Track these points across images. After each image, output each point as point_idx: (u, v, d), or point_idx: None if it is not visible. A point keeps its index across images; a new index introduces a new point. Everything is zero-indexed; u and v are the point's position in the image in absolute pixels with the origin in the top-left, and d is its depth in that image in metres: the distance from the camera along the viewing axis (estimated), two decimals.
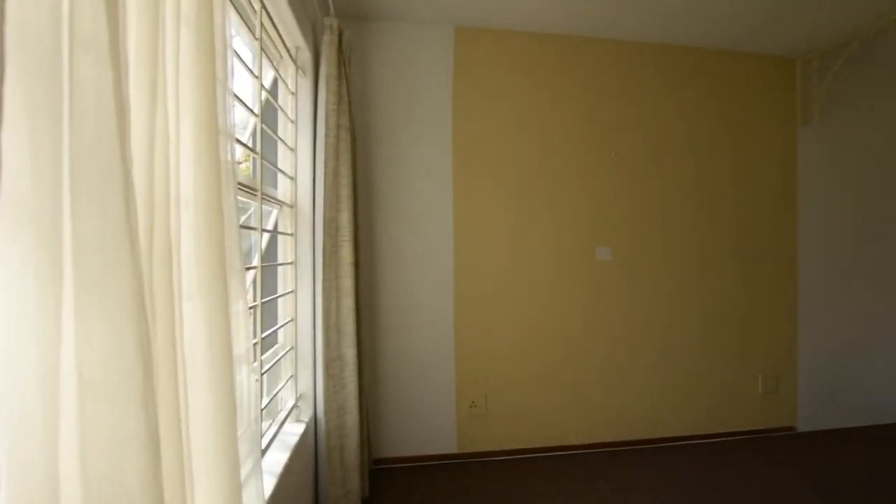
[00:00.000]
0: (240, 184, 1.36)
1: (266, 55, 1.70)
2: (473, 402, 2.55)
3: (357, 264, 2.09)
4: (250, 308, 1.45)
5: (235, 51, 1.26)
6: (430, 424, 2.53)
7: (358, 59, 2.40)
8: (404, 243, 2.49)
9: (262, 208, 1.46)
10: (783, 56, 2.91)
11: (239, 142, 1.24)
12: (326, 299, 1.93)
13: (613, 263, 2.69)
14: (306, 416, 2.00)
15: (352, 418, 2.00)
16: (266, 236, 2.16)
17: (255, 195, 1.47)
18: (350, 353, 2.00)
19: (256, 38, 1.48)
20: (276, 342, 1.97)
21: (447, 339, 2.53)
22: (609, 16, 2.44)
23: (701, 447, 2.73)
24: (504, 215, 2.59)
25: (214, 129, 0.67)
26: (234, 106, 0.80)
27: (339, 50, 2.01)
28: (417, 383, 2.51)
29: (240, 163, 1.71)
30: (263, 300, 1.53)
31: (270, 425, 1.73)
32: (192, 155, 0.64)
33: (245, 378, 0.82)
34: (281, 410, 1.85)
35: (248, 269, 1.48)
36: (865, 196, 3.05)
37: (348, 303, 1.99)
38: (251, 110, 1.38)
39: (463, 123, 2.54)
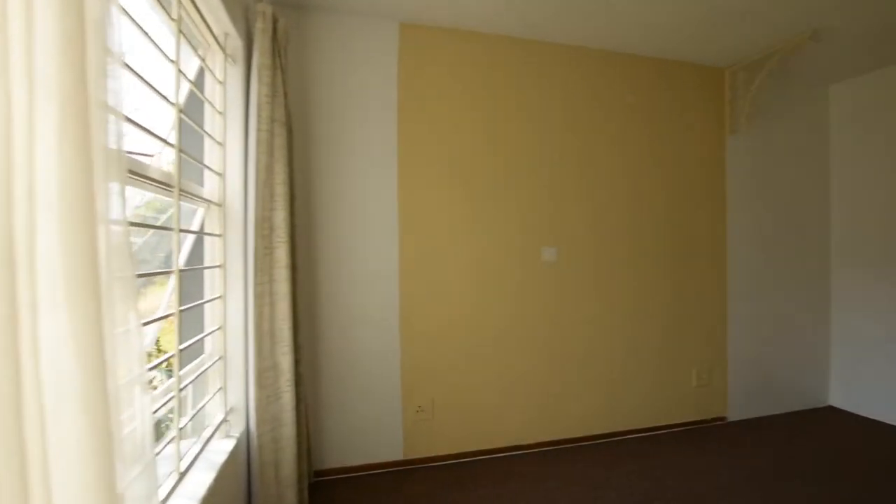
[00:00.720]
0: (152, 180, 1.23)
1: (187, 39, 1.56)
2: (420, 406, 2.50)
3: (294, 267, 1.97)
4: (165, 317, 1.31)
5: (147, 32, 1.13)
6: (376, 432, 2.44)
7: (297, 51, 2.28)
8: (347, 244, 2.39)
9: (179, 206, 1.32)
10: (714, 66, 3.07)
11: (144, 129, 1.11)
12: (259, 304, 1.80)
13: (558, 264, 2.72)
14: (237, 430, 1.86)
15: (287, 430, 1.88)
16: (190, 238, 2.00)
17: (173, 192, 1.34)
18: (286, 360, 1.88)
19: (173, 19, 1.35)
20: (204, 352, 1.82)
21: (392, 342, 2.45)
22: (553, 20, 2.46)
23: (642, 440, 2.83)
24: (450, 216, 2.55)
25: (84, 109, 0.57)
26: (122, 82, 0.69)
27: (274, 39, 1.88)
28: (362, 390, 2.41)
29: (151, 156, 1.55)
30: (183, 308, 1.39)
31: (194, 444, 1.58)
32: (55, 141, 0.54)
33: (139, 405, 0.72)
34: (207, 427, 1.71)
35: (149, 274, 1.34)
36: (784, 201, 3.28)
37: (284, 307, 1.87)
38: (164, 97, 1.24)
39: (408, 122, 2.47)
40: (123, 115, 0.71)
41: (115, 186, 0.66)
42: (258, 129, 1.78)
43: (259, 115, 1.78)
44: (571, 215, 2.76)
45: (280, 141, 1.85)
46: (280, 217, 1.85)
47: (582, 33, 2.62)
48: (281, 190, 1.85)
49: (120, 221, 0.67)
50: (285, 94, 1.90)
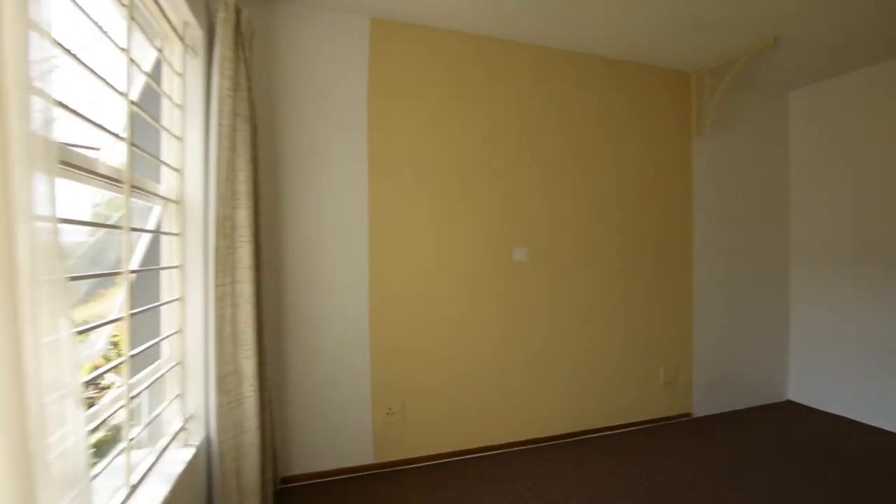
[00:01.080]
0: (99, 175, 1.15)
1: (141, 27, 1.48)
2: (390, 408, 2.45)
3: (258, 267, 1.90)
4: (112, 322, 1.23)
5: (93, 18, 1.05)
6: (345, 435, 2.39)
7: (263, 44, 2.20)
8: (315, 244, 2.33)
9: (130, 204, 1.25)
10: (681, 71, 3.15)
11: (88, 120, 1.03)
12: (220, 307, 1.73)
13: (530, 264, 2.73)
14: (197, 438, 1.78)
15: (250, 437, 1.81)
16: (147, 238, 1.91)
17: (123, 188, 1.26)
18: (249, 364, 1.81)
19: (124, 4, 1.27)
20: (161, 357, 1.73)
21: (361, 343, 2.40)
22: (527, 20, 2.46)
23: (612, 437, 2.87)
24: (421, 215, 2.52)
25: None
26: (52, 62, 0.63)
27: (237, 30, 1.81)
28: (330, 393, 2.36)
29: (97, 149, 1.46)
30: (135, 311, 1.31)
31: (148, 454, 1.50)
32: None
33: (72, 422, 0.66)
34: (163, 436, 1.62)
35: (83, 277, 1.26)
36: (746, 203, 3.39)
37: (247, 309, 1.80)
38: (113, 87, 1.17)
39: (378, 119, 2.43)
40: (53, 98, 0.65)
41: (40, 178, 0.60)
42: (219, 124, 1.70)
43: (220, 110, 1.71)
44: (542, 216, 2.77)
45: (243, 136, 1.78)
46: (243, 215, 1.78)
47: (553, 34, 2.63)
48: (244, 187, 1.78)
49: (48, 218, 0.62)
50: (249, 89, 1.83)
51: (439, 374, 2.55)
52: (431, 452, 2.54)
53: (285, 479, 2.27)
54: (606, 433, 2.93)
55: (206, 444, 1.82)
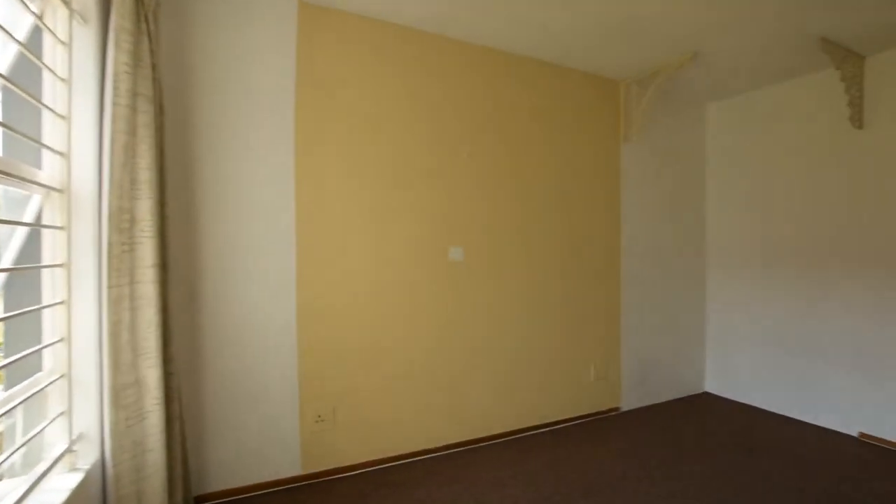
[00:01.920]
0: None
1: None
2: (320, 416, 2.32)
3: (164, 266, 1.71)
4: None
5: None
6: (270, 447, 2.23)
7: (172, 18, 1.99)
8: (235, 240, 2.14)
9: None
10: (611, 78, 3.27)
11: None
12: (116, 311, 1.53)
13: (465, 264, 2.71)
14: (88, 461, 1.56)
15: (154, 456, 1.62)
16: (21, 230, 1.66)
17: None
18: (152, 375, 1.62)
19: None
20: (42, 369, 1.50)
21: (289, 347, 2.25)
22: (455, 14, 2.42)
23: (546, 435, 2.91)
24: (352, 212, 2.41)
25: None
26: None
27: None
28: (253, 401, 2.18)
29: None
30: (1, 317, 1.11)
31: (21, 484, 1.28)
32: None
33: None
34: (42, 461, 1.40)
35: None
36: (668, 208, 3.60)
37: (149, 313, 1.60)
38: None
39: (307, 109, 2.29)
40: None
41: None
42: (115, 104, 1.50)
43: (116, 88, 1.51)
44: (479, 216, 2.76)
45: (145, 119, 1.59)
46: (144, 207, 1.58)
47: (493, 34, 2.62)
48: (146, 175, 1.59)
49: None
50: (153, 66, 1.64)
51: (373, 377, 2.45)
52: (364, 459, 2.44)
53: (200, 499, 2.07)
54: (543, 430, 2.98)
55: (101, 466, 1.60)
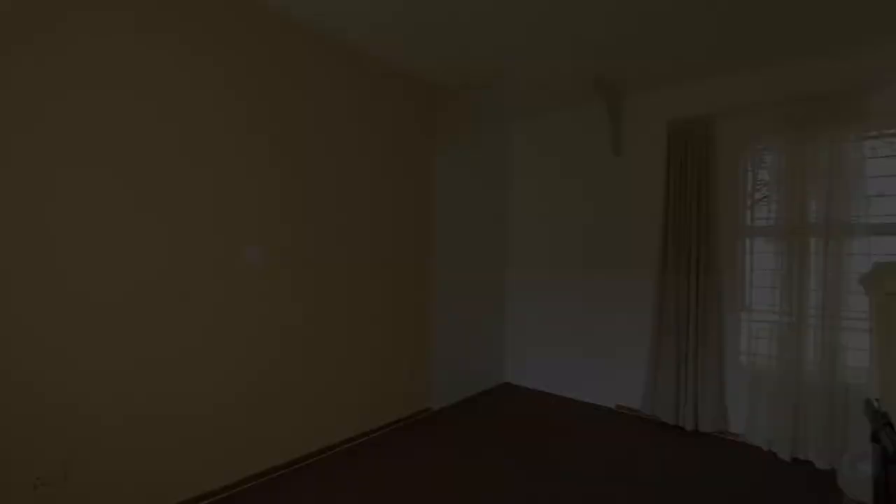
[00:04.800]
0: None
1: None
2: (39, 477, 1.69)
3: None
4: None
5: None
6: None
7: None
8: None
9: None
10: (431, 86, 3.29)
11: None
12: None
13: (263, 269, 2.35)
14: None
15: None
16: None
17: None
18: None
19: None
20: None
21: None
22: None
23: (361, 446, 2.76)
24: (102, 203, 1.84)
25: None
26: None
27: None
28: None
29: None
30: None
31: None
32: None
33: None
34: None
35: None
36: (477, 216, 3.85)
37: None
38: None
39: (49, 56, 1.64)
40: None
41: None
42: None
43: None
44: (282, 215, 2.43)
45: None
46: None
47: (303, 14, 2.35)
48: None
49: None
50: None
51: (130, 409, 1.91)
52: None
53: None
54: (358, 441, 2.81)
55: None
